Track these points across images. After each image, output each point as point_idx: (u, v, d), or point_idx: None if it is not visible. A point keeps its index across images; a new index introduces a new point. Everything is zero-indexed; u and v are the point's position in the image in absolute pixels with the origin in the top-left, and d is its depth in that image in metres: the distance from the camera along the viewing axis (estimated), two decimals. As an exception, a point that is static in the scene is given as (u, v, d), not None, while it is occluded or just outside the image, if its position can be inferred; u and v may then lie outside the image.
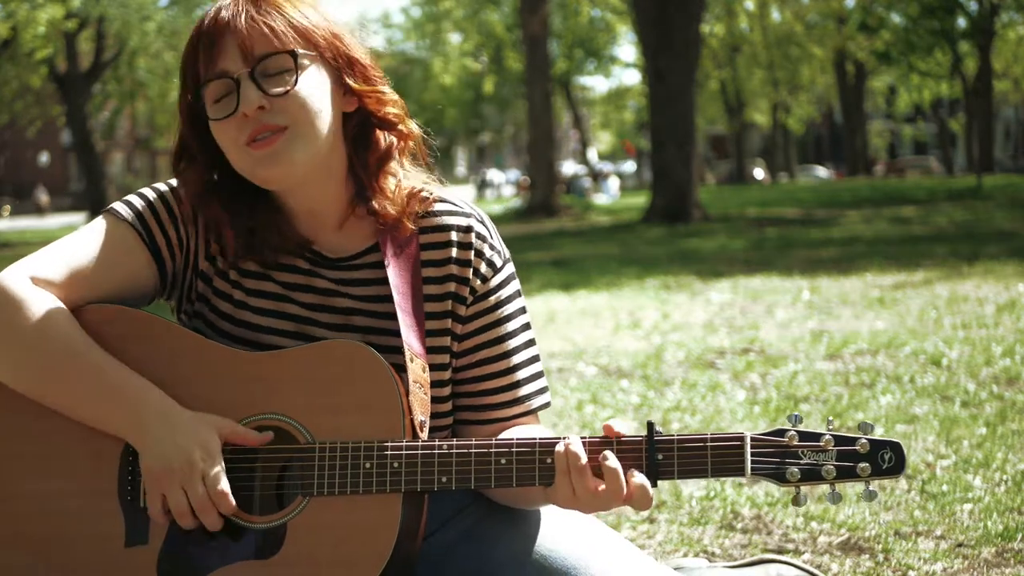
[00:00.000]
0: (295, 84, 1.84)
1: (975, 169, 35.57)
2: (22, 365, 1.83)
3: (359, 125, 1.93)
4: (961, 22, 37.56)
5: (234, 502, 1.79)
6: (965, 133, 47.09)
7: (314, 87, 1.86)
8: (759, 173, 54.65)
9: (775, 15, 43.90)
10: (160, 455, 1.79)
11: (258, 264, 1.95)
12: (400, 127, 1.95)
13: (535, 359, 2.02)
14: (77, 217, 39.99)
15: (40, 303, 1.82)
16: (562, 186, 33.05)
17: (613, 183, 41.93)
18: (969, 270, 10.54)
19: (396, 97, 1.95)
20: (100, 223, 1.93)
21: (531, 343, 2.02)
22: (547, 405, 2.03)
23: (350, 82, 1.90)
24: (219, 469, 1.79)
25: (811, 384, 5.46)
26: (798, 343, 6.77)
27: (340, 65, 1.90)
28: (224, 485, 1.78)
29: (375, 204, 1.92)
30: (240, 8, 1.86)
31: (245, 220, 1.91)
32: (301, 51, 1.86)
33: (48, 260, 1.88)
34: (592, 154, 51.21)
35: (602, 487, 1.76)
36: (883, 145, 65.35)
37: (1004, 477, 3.75)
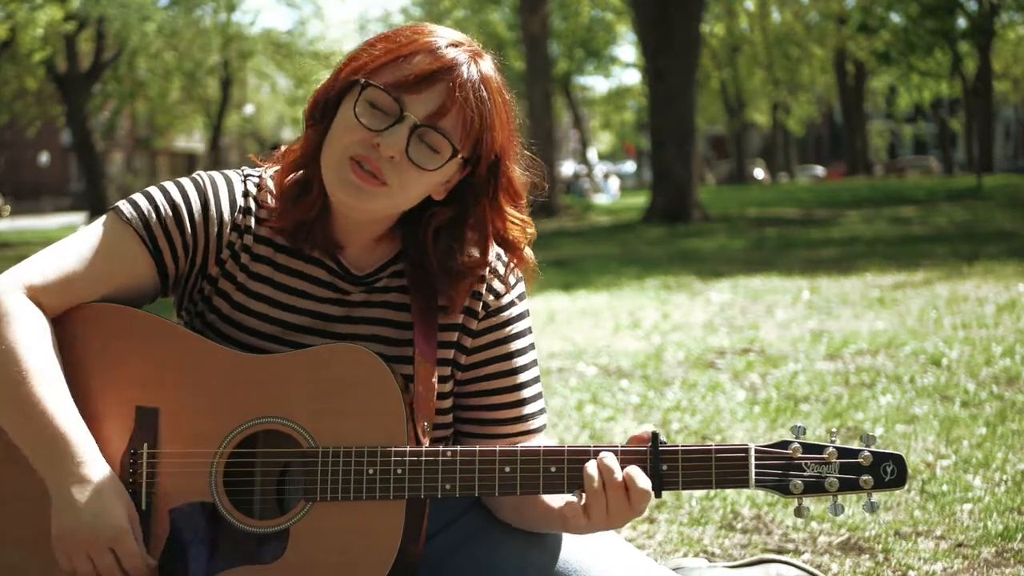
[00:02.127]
0: (431, 171, 1.81)
1: (975, 169, 35.56)
2: None
3: (459, 219, 1.90)
4: (961, 22, 37.53)
5: (149, 567, 1.78)
6: (965, 133, 47.09)
7: (438, 180, 1.84)
8: (759, 173, 54.68)
9: (775, 15, 43.88)
10: (69, 519, 1.77)
11: (271, 267, 1.93)
12: (519, 253, 1.95)
13: (538, 380, 2.03)
14: (77, 217, 39.97)
15: (20, 322, 1.80)
16: (562, 186, 33.04)
17: (613, 183, 41.90)
18: (969, 270, 10.53)
19: (534, 232, 1.94)
20: (104, 223, 1.91)
21: (536, 364, 2.03)
22: (544, 427, 2.03)
23: (503, 197, 1.88)
24: (130, 538, 1.77)
25: (811, 384, 5.46)
26: (798, 343, 6.77)
27: (494, 182, 1.87)
28: (138, 560, 1.77)
29: (444, 293, 1.91)
30: (469, 71, 1.80)
31: (309, 208, 1.88)
32: (463, 157, 1.82)
33: (46, 263, 1.86)
34: (592, 154, 51.22)
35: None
36: (883, 145, 65.33)
37: (1004, 477, 3.75)
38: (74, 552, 1.77)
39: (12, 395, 1.78)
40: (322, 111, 1.86)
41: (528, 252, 1.96)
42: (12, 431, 1.81)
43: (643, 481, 1.75)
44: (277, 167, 1.93)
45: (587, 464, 1.77)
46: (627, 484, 1.75)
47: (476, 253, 1.92)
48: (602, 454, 1.78)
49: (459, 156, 1.81)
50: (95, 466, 1.78)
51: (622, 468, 1.77)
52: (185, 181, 1.94)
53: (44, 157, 55.71)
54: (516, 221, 1.91)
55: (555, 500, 1.88)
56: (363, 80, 1.80)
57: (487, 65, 1.84)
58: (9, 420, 1.81)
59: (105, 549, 1.76)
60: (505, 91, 1.86)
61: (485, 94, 1.81)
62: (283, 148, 1.95)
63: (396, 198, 1.82)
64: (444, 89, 1.79)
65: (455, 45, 1.82)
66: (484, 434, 1.98)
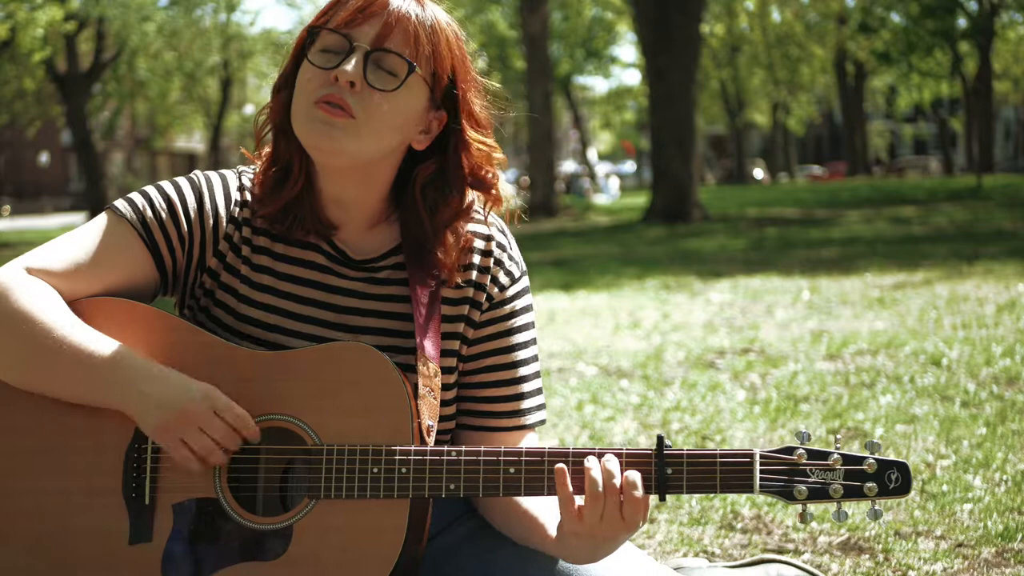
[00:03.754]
0: (393, 91, 1.84)
1: (975, 169, 35.57)
2: (8, 351, 1.82)
3: (441, 171, 1.92)
4: (961, 22, 37.53)
5: (255, 426, 1.80)
6: (965, 133, 47.08)
7: (406, 105, 1.86)
8: (758, 173, 54.68)
9: (775, 15, 43.88)
10: (162, 408, 1.78)
11: (271, 257, 1.94)
12: (494, 191, 1.95)
13: (538, 375, 2.03)
14: (77, 217, 39.98)
15: (25, 288, 1.82)
16: (562, 186, 33.05)
17: (613, 183, 41.89)
18: (969, 270, 10.54)
19: (503, 157, 1.96)
20: (101, 220, 1.92)
21: (536, 359, 2.03)
22: (542, 423, 2.02)
23: (465, 124, 1.91)
24: (225, 399, 1.78)
25: (811, 384, 5.47)
26: (798, 343, 6.77)
27: (457, 107, 1.90)
28: (238, 409, 1.79)
29: (437, 255, 1.92)
30: (405, 2, 1.87)
31: (291, 187, 1.90)
32: (421, 72, 1.86)
33: (46, 256, 1.87)
34: (592, 154, 51.21)
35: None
36: (883, 145, 65.33)
37: (1004, 477, 3.76)
38: (186, 432, 1.77)
39: (46, 345, 1.79)
40: (283, 81, 1.91)
41: (503, 188, 1.98)
42: (58, 380, 1.81)
43: (640, 490, 1.74)
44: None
45: (589, 466, 1.77)
46: (624, 489, 1.73)
47: (457, 200, 1.95)
48: (605, 457, 1.77)
49: (416, 72, 1.84)
50: (154, 364, 1.81)
51: (624, 472, 1.76)
52: (180, 179, 1.97)
53: (44, 157, 55.70)
54: (483, 147, 1.93)
55: (547, 516, 1.87)
56: (309, 27, 1.87)
57: (427, 2, 1.91)
58: (50, 371, 1.81)
59: (211, 414, 1.77)
60: (452, 25, 1.92)
61: (424, 14, 1.87)
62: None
63: (364, 132, 1.83)
64: (383, 14, 1.85)
65: None
66: (479, 426, 1.98)
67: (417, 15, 1.86)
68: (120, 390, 1.80)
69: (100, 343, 1.81)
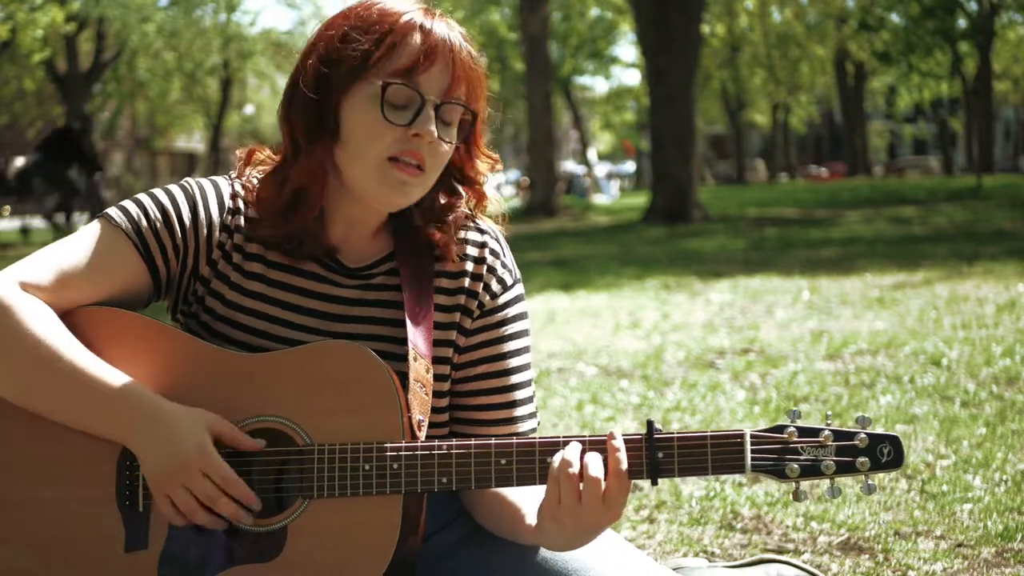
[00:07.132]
0: (453, 140, 1.87)
1: (975, 169, 35.56)
2: (11, 373, 1.81)
3: (446, 169, 1.93)
4: (961, 22, 37.53)
5: (248, 489, 1.78)
6: (965, 133, 47.08)
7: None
8: (753, 174, 54.74)
9: (775, 15, 43.89)
10: (155, 460, 1.78)
11: (264, 265, 1.93)
12: (477, 186, 1.97)
13: (531, 383, 2.02)
14: (77, 218, 39.88)
15: (26, 308, 1.80)
16: (562, 186, 33.04)
17: (613, 183, 41.90)
18: (969, 270, 10.53)
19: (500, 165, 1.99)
20: (94, 228, 1.90)
21: (529, 367, 2.02)
22: (534, 431, 2.02)
23: (480, 140, 1.93)
24: (218, 460, 1.78)
25: (811, 384, 5.47)
26: (798, 343, 6.77)
27: (477, 127, 1.92)
28: (228, 472, 1.78)
29: (434, 236, 1.93)
30: (455, 37, 1.85)
31: (305, 214, 1.89)
32: (477, 114, 1.88)
33: (39, 265, 1.85)
34: (592, 154, 51.20)
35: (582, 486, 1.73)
36: (883, 145, 65.32)
37: (1004, 477, 3.75)
38: (171, 488, 1.77)
39: (51, 372, 1.78)
40: (320, 125, 1.85)
41: (488, 189, 1.99)
42: (61, 407, 1.80)
43: (595, 469, 1.72)
44: (260, 167, 1.94)
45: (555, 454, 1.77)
46: (583, 473, 1.72)
47: (451, 195, 1.96)
48: (570, 444, 1.77)
49: (475, 112, 1.87)
50: (160, 404, 1.79)
51: (584, 457, 1.75)
52: (173, 187, 1.95)
53: (44, 157, 55.59)
54: (489, 160, 1.96)
55: (530, 507, 1.86)
56: (382, 82, 1.81)
57: (450, 21, 1.89)
58: (54, 397, 1.80)
59: (197, 474, 1.76)
60: (474, 51, 1.91)
61: (472, 52, 1.87)
62: (258, 152, 1.96)
63: (429, 181, 1.87)
64: (446, 61, 1.84)
65: (428, 13, 1.86)
66: (472, 434, 1.97)
67: (472, 57, 1.85)
68: (123, 429, 1.79)
69: (104, 374, 1.80)
